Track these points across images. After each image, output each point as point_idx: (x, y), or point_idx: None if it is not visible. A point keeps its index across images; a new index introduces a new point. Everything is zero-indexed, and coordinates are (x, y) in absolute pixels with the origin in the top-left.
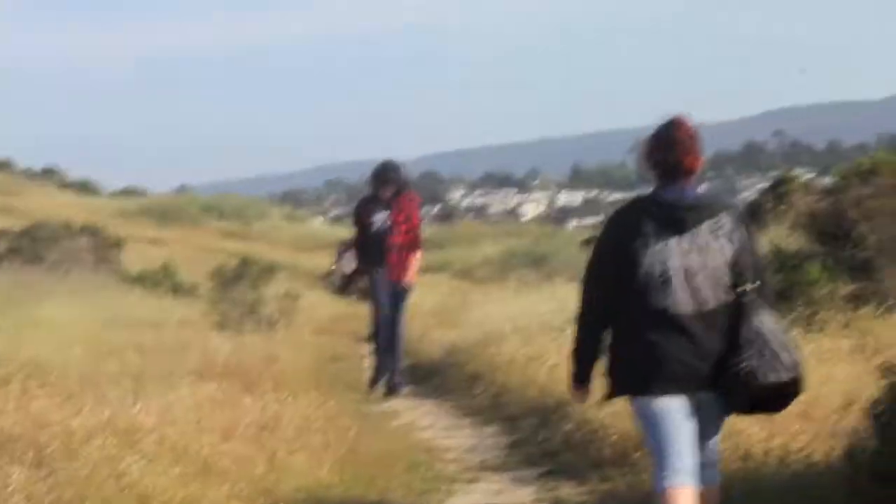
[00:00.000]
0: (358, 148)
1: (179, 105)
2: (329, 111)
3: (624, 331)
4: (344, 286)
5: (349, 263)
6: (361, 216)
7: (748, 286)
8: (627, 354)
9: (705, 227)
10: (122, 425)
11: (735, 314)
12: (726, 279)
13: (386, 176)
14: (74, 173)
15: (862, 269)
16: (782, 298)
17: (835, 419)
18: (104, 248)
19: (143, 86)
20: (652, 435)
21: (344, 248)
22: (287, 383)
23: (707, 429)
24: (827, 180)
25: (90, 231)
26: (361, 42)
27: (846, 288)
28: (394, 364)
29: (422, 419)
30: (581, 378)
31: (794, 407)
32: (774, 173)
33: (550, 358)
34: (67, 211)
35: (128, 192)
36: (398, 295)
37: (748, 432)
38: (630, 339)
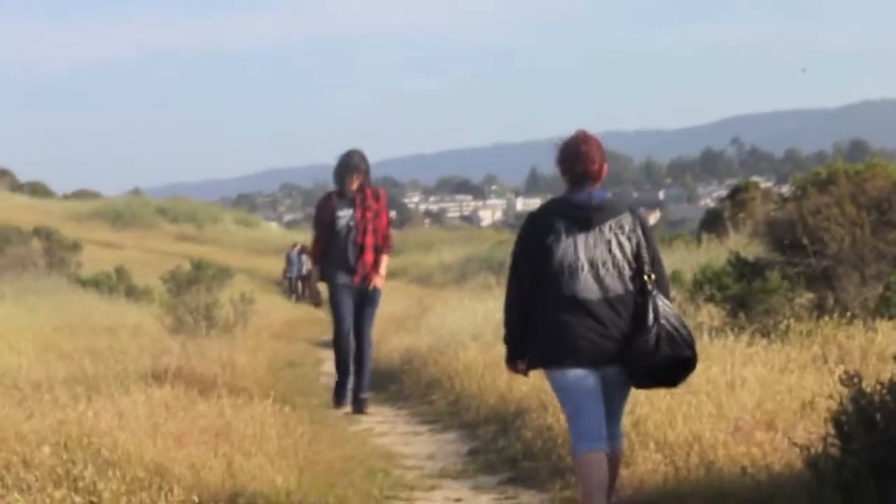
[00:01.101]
0: (312, 152)
1: (132, 108)
2: (283, 114)
3: (541, 313)
4: (295, 291)
5: (302, 267)
6: (323, 214)
7: (649, 276)
8: (543, 333)
9: (609, 225)
10: (74, 430)
11: (636, 301)
12: (627, 271)
13: (353, 162)
14: (26, 175)
15: (821, 279)
16: (742, 307)
17: (798, 428)
18: (57, 251)
19: (94, 88)
20: (565, 404)
21: (297, 251)
22: (243, 388)
23: (613, 401)
24: (785, 189)
25: (42, 234)
26: (317, 46)
27: (806, 297)
28: (360, 379)
29: (379, 425)
30: (514, 356)
31: (759, 415)
32: (733, 181)
33: None
34: (19, 213)
35: (81, 195)
36: (366, 301)
37: (711, 441)
38: (545, 320)
